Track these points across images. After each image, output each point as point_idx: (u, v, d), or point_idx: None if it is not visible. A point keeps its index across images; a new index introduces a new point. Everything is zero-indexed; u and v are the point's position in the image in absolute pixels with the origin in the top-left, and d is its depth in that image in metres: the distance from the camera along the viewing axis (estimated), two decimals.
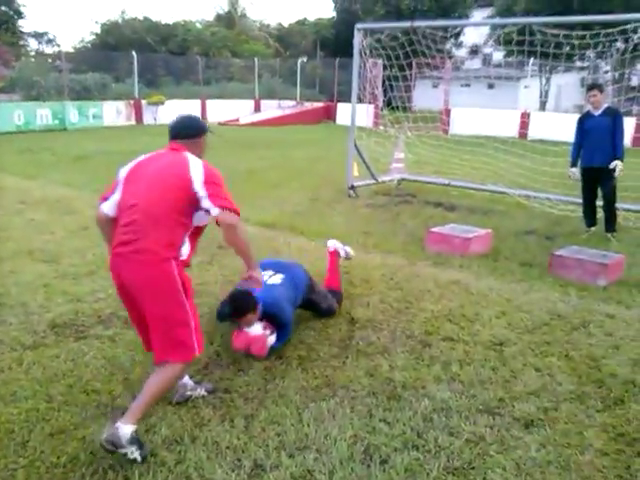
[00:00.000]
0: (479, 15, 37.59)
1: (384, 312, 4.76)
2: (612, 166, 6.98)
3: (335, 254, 5.17)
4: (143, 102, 24.23)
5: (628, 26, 8.83)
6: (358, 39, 9.96)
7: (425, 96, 22.39)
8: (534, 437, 3.11)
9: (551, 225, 7.94)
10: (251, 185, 10.45)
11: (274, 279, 4.23)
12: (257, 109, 29.45)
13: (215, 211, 2.88)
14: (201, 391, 3.42)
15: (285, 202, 9.20)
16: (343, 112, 24.72)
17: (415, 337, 4.31)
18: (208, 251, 6.13)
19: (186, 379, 3.39)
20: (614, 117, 7.14)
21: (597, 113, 7.25)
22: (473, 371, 3.80)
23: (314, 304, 4.53)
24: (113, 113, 23.18)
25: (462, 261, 6.16)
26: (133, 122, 23.81)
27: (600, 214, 7.53)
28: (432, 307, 4.88)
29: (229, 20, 45.70)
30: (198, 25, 45.09)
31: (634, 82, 26.88)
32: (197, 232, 3.20)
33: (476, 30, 35.71)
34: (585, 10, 24.49)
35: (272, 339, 3.90)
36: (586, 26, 12.31)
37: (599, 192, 7.37)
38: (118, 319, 4.48)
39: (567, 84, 29.72)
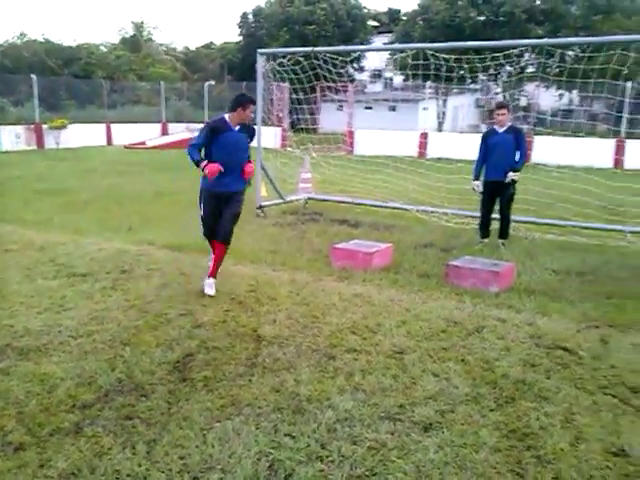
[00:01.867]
0: (380, 41, 39.15)
1: (290, 328, 4.81)
2: (507, 180, 7.44)
3: None
4: (44, 126, 23.37)
5: (513, 51, 9.51)
6: (261, 63, 10.15)
7: (330, 118, 22.92)
8: (433, 440, 3.24)
9: (448, 238, 8.34)
10: (159, 208, 10.28)
11: None
12: (164, 132, 29.04)
13: None
14: None
15: (194, 224, 9.06)
16: None
17: (320, 350, 4.39)
18: (110, 276, 5.97)
19: None
20: (516, 134, 7.63)
21: (501, 130, 7.69)
22: (375, 380, 3.91)
23: None
24: (12, 138, 22.27)
25: (365, 275, 6.34)
26: (34, 147, 22.89)
27: (493, 226, 7.99)
28: (337, 320, 4.99)
29: (134, 43, 44.98)
30: (102, 48, 44.05)
31: (523, 102, 28.73)
32: None
33: (377, 55, 37.16)
34: (476, 37, 26.05)
35: None
36: (477, 51, 13.14)
37: (496, 206, 7.83)
38: (12, 350, 4.26)
39: (462, 105, 31.39)
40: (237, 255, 6.89)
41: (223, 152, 5.44)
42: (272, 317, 5.03)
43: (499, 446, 3.19)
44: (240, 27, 45.09)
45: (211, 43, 51.39)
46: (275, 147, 14.97)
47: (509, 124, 7.78)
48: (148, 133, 27.42)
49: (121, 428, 3.30)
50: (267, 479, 2.89)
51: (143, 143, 25.84)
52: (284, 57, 10.57)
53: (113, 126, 26.12)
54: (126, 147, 23.93)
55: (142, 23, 46.69)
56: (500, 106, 7.87)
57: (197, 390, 3.75)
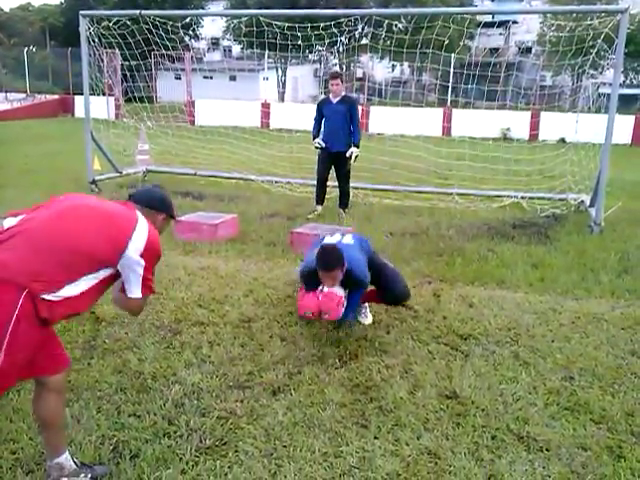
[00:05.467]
0: (215, 8, 38.13)
1: None
2: (349, 154, 7.63)
3: None
4: None
5: (345, 20, 9.74)
6: (84, 26, 9.41)
7: (168, 88, 22.07)
8: (281, 403, 3.29)
9: (292, 207, 8.45)
10: None
11: (346, 239, 4.24)
12: None
13: (137, 293, 2.50)
14: (86, 477, 2.59)
15: (17, 203, 8.31)
16: (81, 105, 23.12)
17: (165, 327, 4.25)
18: None
19: (65, 459, 2.57)
20: (350, 105, 7.76)
21: (335, 100, 7.79)
22: (223, 350, 3.88)
23: (384, 277, 4.24)
24: None
25: (211, 247, 6.24)
26: None
27: (329, 195, 8.21)
28: (182, 295, 4.86)
29: None
30: None
31: (359, 74, 29.76)
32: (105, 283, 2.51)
33: (214, 23, 36.23)
34: (311, 7, 26.34)
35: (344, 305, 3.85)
36: (312, 21, 13.30)
37: (333, 174, 8.03)
38: None
39: (302, 76, 31.78)
40: None
41: None
42: (111, 296, 4.75)
43: (344, 401, 3.32)
44: None
45: (28, 4, 46.85)
46: (108, 118, 14.08)
47: (343, 94, 7.91)
48: None
49: None
50: (111, 461, 2.75)
51: None
52: (110, 20, 9.90)
53: None
54: None
55: None
56: (334, 76, 7.92)
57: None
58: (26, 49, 28.72)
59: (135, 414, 3.13)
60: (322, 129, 7.87)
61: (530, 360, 3.85)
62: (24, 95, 27.21)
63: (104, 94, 12.01)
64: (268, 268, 5.61)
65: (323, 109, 7.87)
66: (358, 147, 7.71)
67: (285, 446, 2.90)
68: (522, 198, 8.78)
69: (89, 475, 2.60)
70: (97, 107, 10.29)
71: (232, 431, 3.02)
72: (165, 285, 5.06)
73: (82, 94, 9.89)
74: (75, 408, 3.16)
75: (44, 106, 26.07)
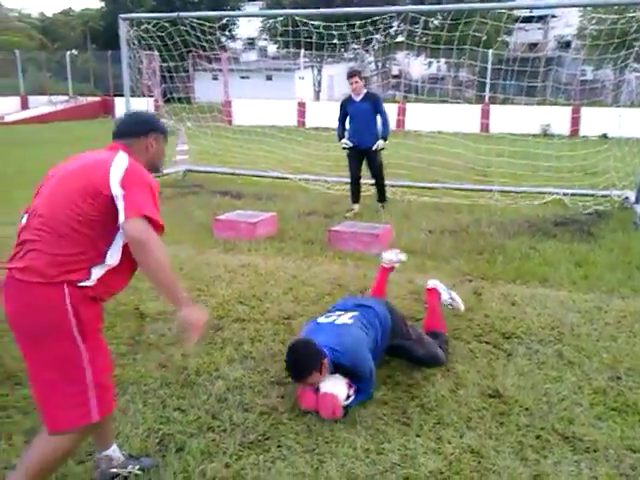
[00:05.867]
0: (251, 9, 38.42)
1: None
2: (375, 147, 7.62)
3: (435, 292, 4.33)
4: None
5: (381, 18, 9.72)
6: (124, 29, 9.62)
7: (206, 88, 22.29)
8: None
9: (329, 205, 8.46)
10: (21, 188, 9.51)
11: (343, 318, 3.43)
12: (25, 106, 26.86)
13: (121, 218, 2.19)
14: (134, 468, 2.64)
15: None
16: (121, 106, 23.64)
17: (207, 322, 4.29)
18: None
19: (113, 451, 2.65)
20: (374, 101, 7.74)
21: (358, 99, 7.75)
22: (264, 347, 3.92)
23: (405, 350, 3.62)
24: None
25: (250, 245, 6.30)
26: None
27: (366, 192, 8.19)
28: (223, 292, 4.92)
29: None
30: None
31: (395, 71, 29.60)
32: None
33: (250, 24, 36.49)
34: (347, 5, 26.30)
35: (350, 398, 3.16)
36: (347, 20, 13.29)
37: (366, 172, 8.00)
38: None
39: (338, 74, 31.71)
40: None
41: None
42: (154, 294, 4.85)
43: (385, 399, 3.32)
44: None
45: (70, 9, 47.93)
46: None
47: (365, 91, 7.79)
48: (5, 107, 25.23)
49: None
50: (157, 454, 2.81)
51: (1, 118, 23.79)
52: (149, 23, 10.07)
53: None
54: None
55: None
56: (351, 74, 7.77)
57: None
58: (68, 53, 29.43)
59: (180, 408, 3.19)
60: (347, 128, 7.84)
61: (575, 359, 3.78)
62: (67, 97, 27.88)
63: (144, 95, 12.20)
64: (307, 266, 5.63)
65: (347, 108, 7.81)
66: (386, 140, 7.68)
67: (327, 442, 2.92)
68: (564, 195, 8.61)
69: (137, 466, 2.66)
70: (136, 108, 10.46)
71: (274, 426, 3.04)
72: (206, 282, 5.14)
73: (122, 95, 10.09)
74: (122, 402, 3.24)
75: (85, 108, 26.70)
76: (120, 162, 2.31)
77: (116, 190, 2.22)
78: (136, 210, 2.20)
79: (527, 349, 3.93)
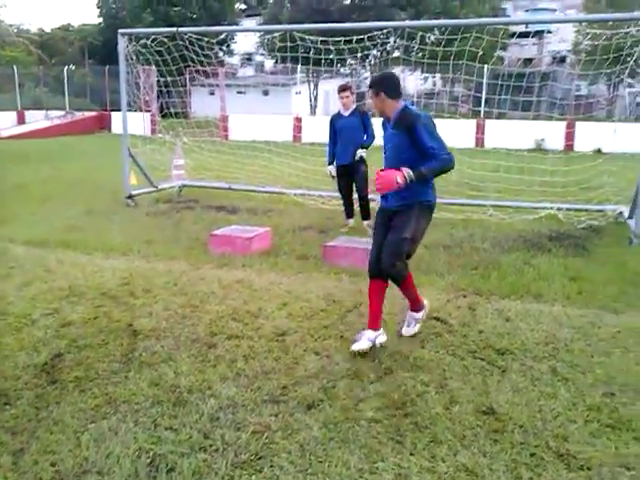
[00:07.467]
0: (248, 24, 38.72)
1: (168, 319, 4.65)
2: (357, 157, 7.54)
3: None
4: None
5: (378, 33, 9.79)
6: (122, 44, 9.67)
7: (202, 103, 22.37)
8: (316, 417, 3.27)
9: (324, 219, 8.47)
10: (19, 201, 9.56)
11: None
12: (21, 121, 26.93)
13: None
14: None
15: (57, 217, 8.55)
16: (118, 121, 23.72)
17: (200, 340, 4.28)
18: None
19: None
20: (362, 116, 7.69)
21: (347, 113, 7.71)
22: (257, 364, 3.89)
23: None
24: None
25: (245, 260, 6.28)
26: None
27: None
28: (217, 308, 4.90)
29: None
30: None
31: None
32: None
33: (247, 39, 36.76)
34: (343, 21, 26.51)
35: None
36: (344, 35, 13.39)
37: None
38: None
39: (334, 90, 31.91)
40: (106, 248, 6.60)
41: None
42: (148, 310, 4.84)
43: (379, 417, 3.29)
44: (99, 8, 42.70)
45: (68, 25, 48.23)
46: (145, 134, 14.39)
47: (354, 106, 7.75)
48: (1, 121, 25.29)
49: None
50: (148, 475, 2.78)
51: None
52: (147, 38, 10.13)
53: None
54: None
55: None
56: (342, 89, 7.72)
57: (68, 392, 3.53)
58: (66, 68, 29.57)
59: (171, 427, 3.16)
60: (336, 146, 7.74)
61: (569, 375, 3.76)
62: (63, 112, 27.95)
63: (140, 110, 12.24)
64: (301, 281, 5.62)
65: (335, 124, 7.74)
66: (366, 148, 7.59)
67: (320, 461, 2.89)
68: (558, 210, 8.63)
69: None
70: (133, 123, 10.50)
71: (267, 446, 3.01)
72: (200, 298, 5.11)
73: (119, 110, 10.12)
74: (112, 420, 3.21)
75: (82, 123, 26.75)
76: None
77: None
78: None
79: (521, 365, 3.92)
